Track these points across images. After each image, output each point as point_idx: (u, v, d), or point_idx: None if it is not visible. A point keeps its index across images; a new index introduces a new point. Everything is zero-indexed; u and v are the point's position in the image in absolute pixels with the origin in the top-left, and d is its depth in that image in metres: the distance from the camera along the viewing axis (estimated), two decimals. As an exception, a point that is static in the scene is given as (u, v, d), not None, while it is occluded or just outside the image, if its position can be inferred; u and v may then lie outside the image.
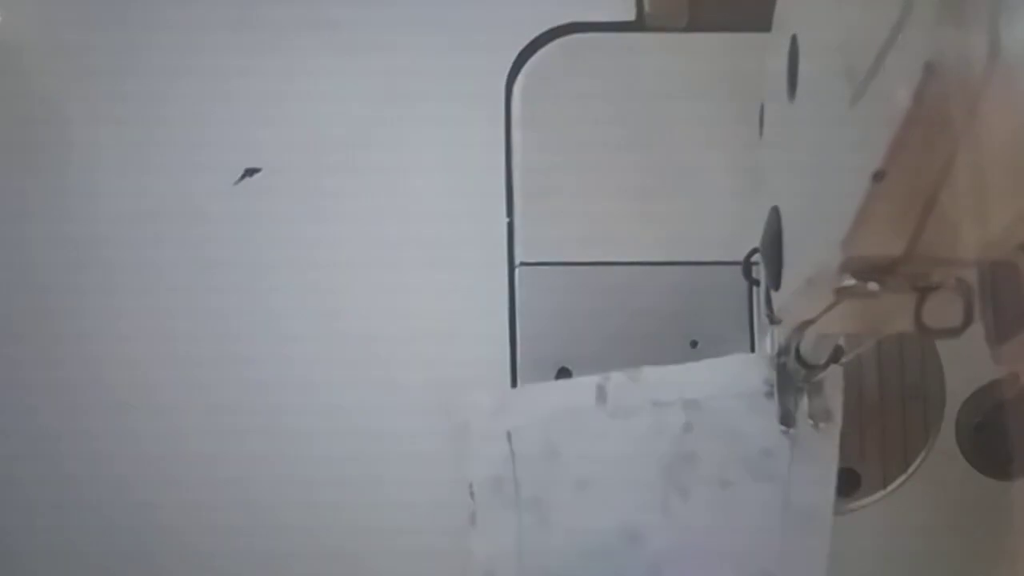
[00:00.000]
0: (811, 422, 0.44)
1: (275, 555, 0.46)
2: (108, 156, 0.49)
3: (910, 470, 0.46)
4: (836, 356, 0.41)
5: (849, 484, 0.45)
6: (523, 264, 0.50)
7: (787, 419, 0.44)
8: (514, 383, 0.47)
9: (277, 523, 0.47)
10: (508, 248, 0.50)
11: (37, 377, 0.48)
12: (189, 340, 0.48)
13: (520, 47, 0.51)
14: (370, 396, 0.48)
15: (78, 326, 0.48)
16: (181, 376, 0.48)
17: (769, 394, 0.44)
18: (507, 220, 0.49)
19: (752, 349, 0.48)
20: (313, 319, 0.48)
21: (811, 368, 0.42)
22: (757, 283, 0.44)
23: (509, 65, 0.51)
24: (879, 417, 0.46)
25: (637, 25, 0.50)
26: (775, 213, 0.39)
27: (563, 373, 0.50)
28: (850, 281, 0.31)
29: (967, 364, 0.45)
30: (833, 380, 0.43)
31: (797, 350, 0.42)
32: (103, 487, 0.47)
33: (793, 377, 0.43)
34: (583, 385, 0.45)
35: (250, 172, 0.51)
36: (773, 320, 0.41)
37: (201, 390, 0.47)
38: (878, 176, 0.27)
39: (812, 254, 0.35)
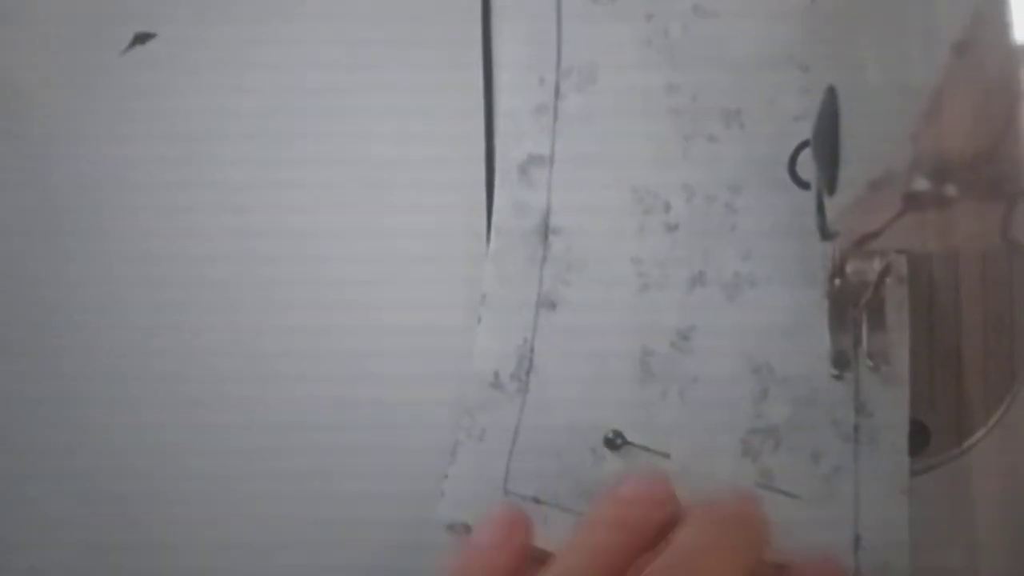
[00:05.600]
0: (870, 363, 0.45)
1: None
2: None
3: (991, 422, 0.47)
4: (885, 275, 0.44)
5: (916, 440, 0.46)
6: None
7: (841, 361, 0.46)
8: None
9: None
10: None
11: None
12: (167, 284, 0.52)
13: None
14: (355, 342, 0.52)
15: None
16: (155, 318, 0.52)
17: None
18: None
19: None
20: (291, 265, 0.52)
21: (872, 293, 0.44)
22: (807, 186, 0.45)
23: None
24: (954, 357, 0.47)
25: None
26: (831, 96, 0.40)
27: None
28: (923, 184, 0.32)
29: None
30: (899, 310, 0.45)
31: (842, 270, 0.44)
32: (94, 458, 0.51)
33: (849, 305, 0.45)
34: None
35: (141, 38, 0.53)
36: (827, 234, 0.43)
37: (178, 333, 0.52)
38: (960, 48, 0.29)
39: (876, 149, 0.35)
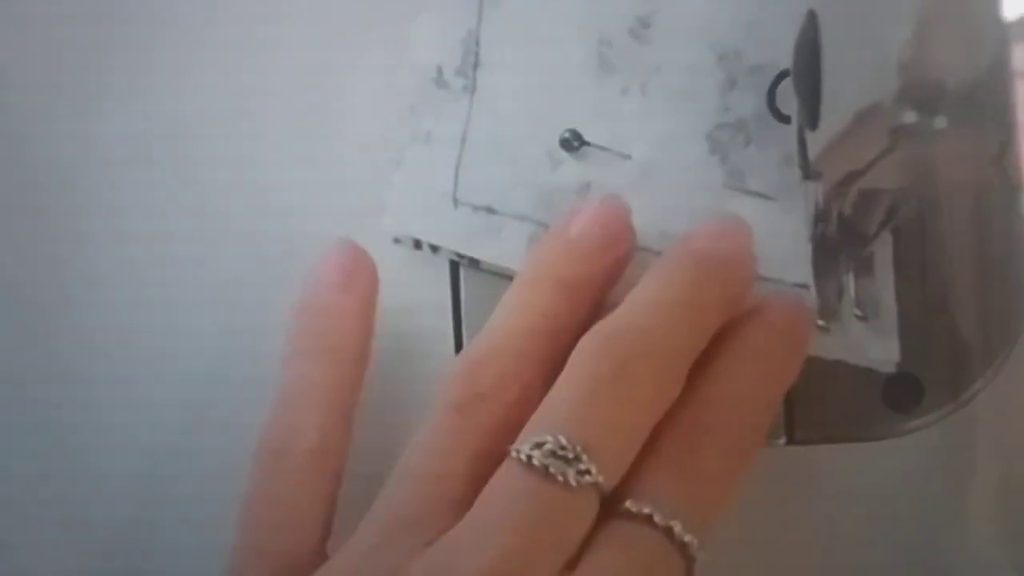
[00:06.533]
0: (858, 313, 0.44)
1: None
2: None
3: (989, 372, 0.45)
4: (892, 218, 0.41)
5: (909, 395, 0.44)
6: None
7: (827, 311, 0.44)
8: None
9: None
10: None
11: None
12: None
13: None
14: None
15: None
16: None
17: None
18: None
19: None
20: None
21: (860, 236, 0.42)
22: (787, 120, 0.43)
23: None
24: (948, 303, 0.45)
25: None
26: (811, 21, 0.39)
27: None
28: (911, 116, 0.32)
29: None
30: (886, 254, 0.44)
31: (840, 212, 0.42)
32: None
33: (835, 252, 0.43)
34: None
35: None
36: (809, 173, 0.41)
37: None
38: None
39: (861, 78, 0.35)
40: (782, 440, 0.44)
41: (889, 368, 0.43)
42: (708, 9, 0.45)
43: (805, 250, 0.43)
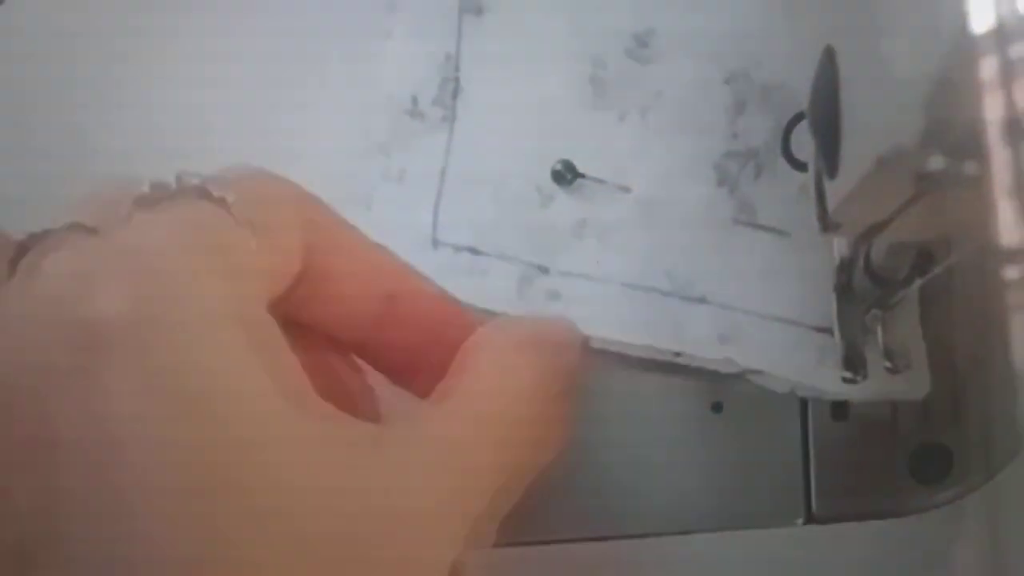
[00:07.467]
0: (888, 365, 0.41)
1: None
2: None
3: (1025, 444, 0.44)
4: (923, 268, 0.39)
5: (937, 465, 0.43)
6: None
7: (853, 363, 0.41)
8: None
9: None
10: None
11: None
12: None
13: None
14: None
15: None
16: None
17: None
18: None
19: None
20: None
21: (886, 289, 0.40)
22: (803, 167, 0.41)
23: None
24: (983, 364, 0.44)
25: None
26: (828, 57, 0.36)
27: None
28: (938, 161, 0.30)
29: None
30: (914, 310, 0.42)
31: (866, 262, 0.40)
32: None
33: (861, 303, 0.41)
34: None
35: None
36: (828, 226, 0.39)
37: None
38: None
39: (884, 120, 0.33)
40: (800, 520, 0.42)
41: (917, 396, 0.41)
42: (712, 26, 0.44)
43: (826, 292, 0.41)
